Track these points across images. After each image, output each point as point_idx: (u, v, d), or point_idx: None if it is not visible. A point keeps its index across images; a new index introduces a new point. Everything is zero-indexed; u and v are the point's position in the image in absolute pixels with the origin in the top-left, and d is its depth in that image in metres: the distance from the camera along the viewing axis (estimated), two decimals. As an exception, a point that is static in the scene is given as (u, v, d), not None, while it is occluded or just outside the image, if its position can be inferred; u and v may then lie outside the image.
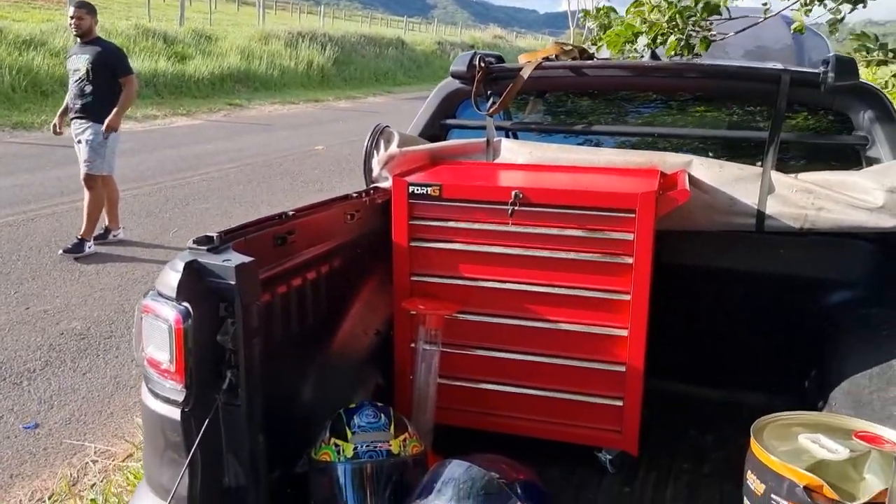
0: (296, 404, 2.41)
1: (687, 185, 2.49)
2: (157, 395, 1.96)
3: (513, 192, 2.43)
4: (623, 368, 2.49)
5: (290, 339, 2.38)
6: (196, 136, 13.26)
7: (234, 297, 1.91)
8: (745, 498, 1.89)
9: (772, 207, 2.57)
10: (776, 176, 2.59)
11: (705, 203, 2.63)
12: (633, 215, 2.36)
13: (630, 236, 2.39)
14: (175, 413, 1.92)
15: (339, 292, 2.66)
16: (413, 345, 2.67)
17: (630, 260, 2.40)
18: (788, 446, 1.83)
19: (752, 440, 1.86)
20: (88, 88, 6.34)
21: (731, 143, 2.99)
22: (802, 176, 2.59)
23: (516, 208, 2.43)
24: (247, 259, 1.95)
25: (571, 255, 2.46)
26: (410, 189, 2.56)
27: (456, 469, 1.94)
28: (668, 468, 2.67)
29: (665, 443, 2.74)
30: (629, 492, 2.54)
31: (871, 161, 2.70)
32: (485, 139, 3.01)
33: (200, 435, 1.89)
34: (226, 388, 1.95)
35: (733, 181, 2.63)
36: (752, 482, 1.81)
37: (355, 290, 2.79)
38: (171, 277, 1.89)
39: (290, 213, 2.41)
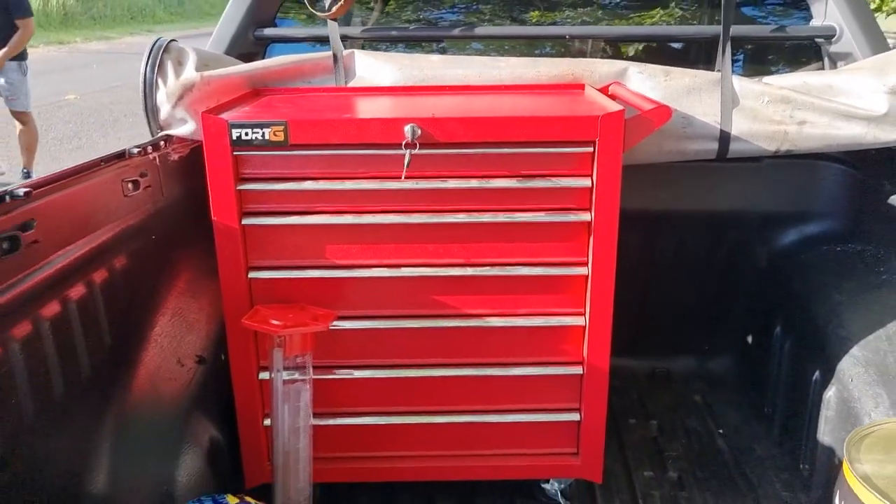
0: None
1: (658, 101, 1.74)
2: None
3: (406, 128, 1.54)
4: (580, 370, 1.75)
5: (53, 408, 1.36)
6: None
7: None
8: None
9: (739, 125, 1.91)
10: (740, 82, 1.92)
11: None
12: (592, 149, 1.58)
13: (587, 182, 1.61)
14: None
15: (129, 309, 1.64)
16: (264, 375, 1.73)
17: (588, 217, 1.63)
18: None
19: (861, 484, 1.19)
20: None
21: (668, 48, 2.29)
22: (772, 80, 1.95)
23: (414, 152, 1.55)
24: None
25: (500, 218, 1.64)
26: (234, 133, 1.57)
27: None
28: (628, 485, 2.00)
29: (608, 442, 2.04)
30: None
31: (837, 59, 2.12)
32: (329, 54, 2.04)
33: None
34: None
35: (685, 93, 1.93)
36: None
37: (156, 302, 1.77)
38: None
39: (21, 191, 1.33)
